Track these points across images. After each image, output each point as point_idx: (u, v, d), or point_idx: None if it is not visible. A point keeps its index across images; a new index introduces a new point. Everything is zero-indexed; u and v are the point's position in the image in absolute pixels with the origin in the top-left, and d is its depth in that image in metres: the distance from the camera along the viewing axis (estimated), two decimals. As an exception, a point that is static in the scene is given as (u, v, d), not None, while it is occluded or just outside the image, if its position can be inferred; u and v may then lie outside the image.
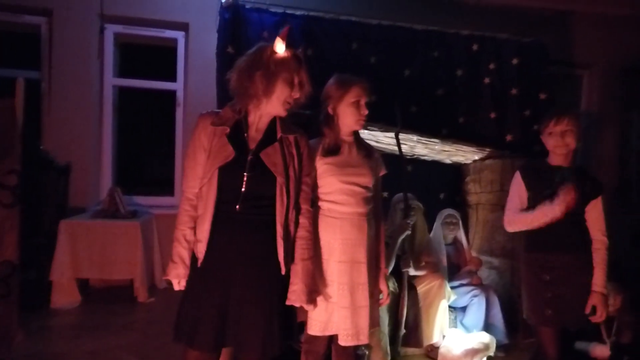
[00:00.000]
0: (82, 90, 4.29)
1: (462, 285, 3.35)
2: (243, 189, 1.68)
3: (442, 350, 2.97)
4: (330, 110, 2.05)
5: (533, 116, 3.85)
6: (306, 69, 1.76)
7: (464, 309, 3.28)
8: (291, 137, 1.81)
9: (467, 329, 3.16)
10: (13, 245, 2.80)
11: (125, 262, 3.79)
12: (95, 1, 4.21)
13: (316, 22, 3.60)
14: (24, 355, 2.83)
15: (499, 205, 3.57)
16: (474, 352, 2.88)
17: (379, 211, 2.17)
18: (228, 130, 1.73)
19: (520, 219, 2.21)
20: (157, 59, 5.14)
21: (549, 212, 2.08)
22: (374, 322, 2.10)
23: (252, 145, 1.74)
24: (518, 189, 2.26)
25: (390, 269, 2.86)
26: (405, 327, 2.88)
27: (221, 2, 3.41)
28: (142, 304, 3.85)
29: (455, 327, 3.21)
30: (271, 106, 1.75)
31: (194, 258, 1.74)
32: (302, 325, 2.06)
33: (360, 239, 2.00)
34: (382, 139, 3.39)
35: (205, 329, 1.66)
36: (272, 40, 1.74)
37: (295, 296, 1.75)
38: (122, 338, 3.14)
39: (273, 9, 3.51)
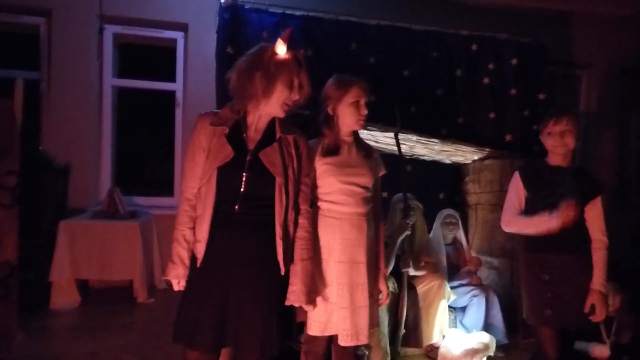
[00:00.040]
0: (82, 91, 4.28)
1: (461, 285, 3.35)
2: (242, 189, 1.68)
3: (441, 350, 2.97)
4: (329, 111, 2.05)
5: (532, 116, 3.86)
6: (306, 71, 1.76)
7: (463, 309, 3.28)
8: (290, 138, 1.81)
9: (466, 329, 3.16)
10: (12, 246, 2.79)
11: (125, 263, 3.78)
12: (94, 2, 4.22)
13: (315, 23, 3.60)
14: (24, 355, 2.82)
15: (499, 206, 3.56)
16: (474, 352, 2.88)
17: (379, 211, 2.17)
18: (227, 130, 1.73)
19: (516, 222, 2.22)
20: (157, 59, 5.14)
21: (546, 224, 2.09)
22: (374, 322, 2.10)
23: (251, 146, 1.74)
24: (517, 188, 2.26)
25: (390, 269, 2.86)
26: (405, 327, 2.88)
27: (220, 3, 3.41)
28: (142, 304, 3.84)
29: (455, 327, 3.21)
30: (270, 107, 1.75)
31: (193, 258, 1.74)
32: (302, 326, 2.06)
33: (359, 239, 2.00)
34: (381, 139, 3.39)
35: (204, 330, 1.66)
36: (272, 41, 1.74)
37: (295, 296, 1.75)
38: (122, 339, 3.14)
39: (272, 10, 3.51)
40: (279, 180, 1.71)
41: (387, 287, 2.23)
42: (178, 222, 1.76)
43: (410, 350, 3.03)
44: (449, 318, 3.15)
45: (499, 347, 3.03)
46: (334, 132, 2.05)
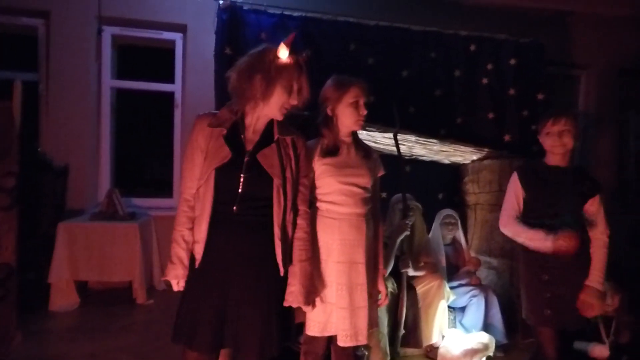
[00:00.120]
0: (80, 92, 4.28)
1: (461, 285, 3.35)
2: (240, 190, 1.68)
3: (441, 350, 2.97)
4: (329, 111, 2.05)
5: (531, 116, 3.86)
6: (307, 76, 1.76)
7: (463, 309, 3.28)
8: (288, 139, 1.81)
9: (466, 329, 3.16)
10: (11, 247, 2.80)
11: (124, 264, 3.78)
12: (92, 3, 4.21)
13: (314, 24, 3.60)
14: (23, 357, 2.82)
15: (498, 206, 3.56)
16: (473, 352, 2.88)
17: (378, 212, 2.17)
18: (225, 131, 1.73)
19: (513, 227, 2.23)
20: (155, 60, 5.15)
21: (540, 242, 2.12)
22: (373, 323, 2.10)
23: (249, 147, 1.74)
24: (515, 189, 2.26)
25: (389, 269, 2.86)
26: (404, 328, 2.88)
27: (219, 4, 3.41)
28: (141, 305, 3.84)
29: (455, 327, 3.21)
30: (268, 109, 1.75)
31: (192, 259, 1.74)
32: (301, 326, 2.06)
33: (358, 240, 2.00)
34: (380, 140, 3.39)
35: (203, 330, 1.66)
36: (270, 42, 1.74)
37: (293, 297, 1.75)
38: (121, 340, 3.13)
39: (271, 11, 3.52)
40: (276, 182, 1.71)
41: (386, 288, 2.23)
42: (177, 223, 1.77)
43: (410, 351, 3.03)
44: (449, 318, 3.15)
45: (498, 347, 3.03)
46: (333, 133, 2.05)
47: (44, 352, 2.92)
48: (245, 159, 1.71)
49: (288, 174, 1.76)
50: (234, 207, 1.68)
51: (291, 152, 1.80)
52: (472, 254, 3.71)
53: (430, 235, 3.50)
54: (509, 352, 3.13)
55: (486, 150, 3.64)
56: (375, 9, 4.30)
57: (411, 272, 2.93)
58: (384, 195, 3.31)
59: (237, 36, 3.41)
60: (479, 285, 3.33)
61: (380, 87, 3.43)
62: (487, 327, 3.14)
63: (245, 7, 3.47)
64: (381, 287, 2.15)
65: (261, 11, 3.50)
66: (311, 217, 1.92)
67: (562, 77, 5.36)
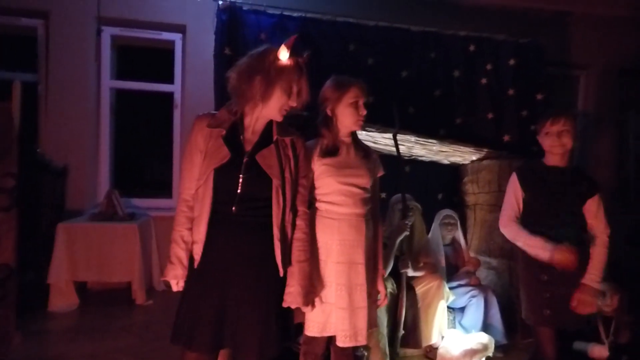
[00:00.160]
0: (79, 93, 4.28)
1: (460, 285, 3.35)
2: (239, 191, 1.68)
3: (440, 350, 2.97)
4: (328, 112, 2.05)
5: (530, 117, 3.86)
6: (307, 78, 1.76)
7: (462, 309, 3.28)
8: (287, 140, 1.81)
9: (465, 330, 3.16)
10: (10, 248, 2.80)
11: (123, 265, 3.78)
12: (92, 3, 4.21)
13: (313, 24, 3.59)
14: (22, 357, 2.82)
15: (497, 206, 3.58)
16: (473, 352, 2.87)
17: (377, 212, 2.17)
18: (224, 132, 1.73)
19: (513, 230, 2.23)
20: (155, 61, 5.15)
21: (538, 250, 2.12)
22: (372, 323, 2.10)
23: (248, 148, 1.74)
24: (514, 189, 2.26)
25: (389, 270, 2.86)
26: (404, 328, 2.88)
27: (218, 4, 3.41)
28: (140, 306, 3.84)
29: (454, 327, 3.21)
30: (267, 111, 1.75)
31: (191, 259, 1.74)
32: (301, 327, 2.06)
33: (358, 240, 2.00)
34: (379, 140, 3.39)
35: (203, 331, 1.66)
36: (270, 42, 1.74)
37: (291, 298, 1.75)
38: (120, 341, 3.13)
39: (270, 11, 3.51)
40: (275, 182, 1.71)
41: (386, 288, 2.23)
42: (176, 223, 1.77)
43: (409, 351, 3.03)
44: (448, 318, 3.15)
45: (497, 347, 3.03)
46: (333, 133, 2.05)
47: (43, 352, 2.92)
48: (244, 160, 1.71)
49: (287, 175, 1.76)
50: (233, 208, 1.68)
51: (290, 153, 1.80)
52: (472, 254, 3.71)
53: (429, 235, 3.50)
54: (508, 353, 3.13)
55: (485, 150, 3.64)
56: (375, 10, 4.30)
57: (411, 273, 2.93)
58: (383, 195, 3.31)
59: (236, 36, 3.40)
60: (478, 286, 3.32)
61: (380, 88, 3.42)
62: (486, 328, 3.14)
63: (244, 8, 3.46)
64: (380, 288, 2.15)
65: (261, 11, 3.50)
66: (310, 218, 1.92)
67: (561, 77, 5.36)
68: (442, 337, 3.07)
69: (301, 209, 1.83)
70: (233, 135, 1.74)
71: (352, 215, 2.00)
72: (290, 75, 1.70)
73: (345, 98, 2.02)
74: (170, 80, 4.67)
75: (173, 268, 1.74)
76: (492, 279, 3.67)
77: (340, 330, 1.94)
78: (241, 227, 1.70)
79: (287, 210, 1.76)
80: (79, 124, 4.28)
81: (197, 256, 1.70)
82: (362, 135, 3.01)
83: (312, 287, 1.89)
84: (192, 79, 4.44)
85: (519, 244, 2.21)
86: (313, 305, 1.90)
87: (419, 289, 3.04)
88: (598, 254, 2.14)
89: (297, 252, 1.80)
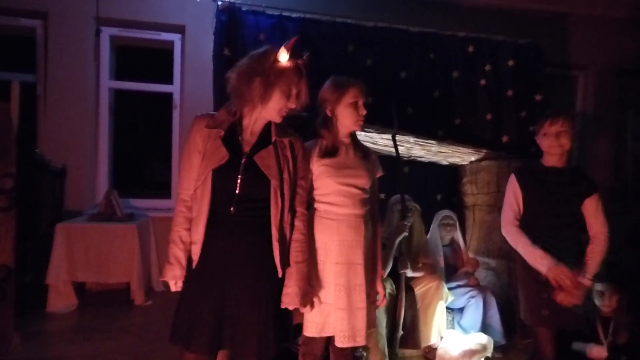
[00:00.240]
0: (78, 93, 4.27)
1: (459, 286, 3.35)
2: (237, 191, 1.68)
3: (439, 351, 2.97)
4: (328, 112, 2.04)
5: (529, 117, 3.87)
6: (306, 80, 1.75)
7: (461, 310, 3.28)
8: (286, 141, 1.81)
9: (464, 330, 3.17)
10: (9, 248, 2.79)
11: (122, 265, 3.77)
12: (91, 4, 4.20)
13: (312, 25, 3.60)
14: (21, 358, 2.82)
15: (496, 207, 3.58)
16: (472, 353, 2.87)
17: (376, 213, 2.17)
18: (222, 133, 1.73)
19: (514, 235, 2.24)
20: (154, 61, 5.15)
21: (537, 262, 2.13)
22: (371, 324, 2.09)
23: (247, 148, 1.74)
24: (513, 190, 2.27)
25: (388, 270, 2.86)
26: (402, 329, 2.88)
27: (217, 5, 3.41)
28: (139, 307, 3.83)
29: (453, 328, 3.21)
30: (266, 112, 1.75)
31: (190, 260, 1.74)
32: (299, 328, 2.06)
33: (357, 241, 2.00)
34: (378, 141, 3.39)
35: (201, 331, 1.66)
36: (269, 43, 1.74)
37: (289, 299, 1.75)
38: (119, 341, 3.13)
39: (269, 12, 3.52)
40: (274, 183, 1.71)
41: (385, 289, 2.23)
42: (174, 223, 1.77)
43: (408, 352, 3.03)
44: (447, 319, 3.15)
45: (496, 348, 3.04)
46: (333, 134, 2.05)
47: (42, 353, 2.92)
48: (243, 161, 1.71)
49: (285, 176, 1.76)
50: (231, 208, 1.68)
51: (289, 154, 1.80)
52: (471, 255, 3.71)
53: (428, 236, 3.51)
54: (507, 353, 3.13)
55: (484, 151, 3.65)
56: (374, 10, 4.31)
57: (409, 273, 2.93)
58: (382, 196, 3.32)
59: (235, 37, 3.40)
60: (477, 286, 3.33)
61: (379, 88, 3.43)
62: (485, 328, 3.14)
63: (243, 8, 3.47)
64: (379, 288, 2.15)
65: (260, 12, 3.50)
66: (309, 218, 1.92)
67: (560, 78, 5.37)
68: (441, 338, 3.07)
69: (299, 209, 1.83)
70: (232, 136, 1.74)
71: (351, 215, 2.00)
72: (289, 77, 1.70)
73: (345, 98, 2.02)
74: (169, 80, 4.67)
75: (171, 268, 1.74)
76: (491, 280, 3.67)
77: (339, 331, 1.94)
78: (239, 228, 1.70)
79: (286, 211, 1.76)
80: (77, 124, 4.28)
81: (196, 257, 1.70)
82: (361, 136, 3.01)
83: (310, 288, 1.89)
84: (191, 79, 4.44)
85: (518, 249, 2.22)
86: (311, 306, 1.90)
87: (418, 290, 3.04)
88: (594, 252, 2.15)
89: (295, 252, 1.80)
